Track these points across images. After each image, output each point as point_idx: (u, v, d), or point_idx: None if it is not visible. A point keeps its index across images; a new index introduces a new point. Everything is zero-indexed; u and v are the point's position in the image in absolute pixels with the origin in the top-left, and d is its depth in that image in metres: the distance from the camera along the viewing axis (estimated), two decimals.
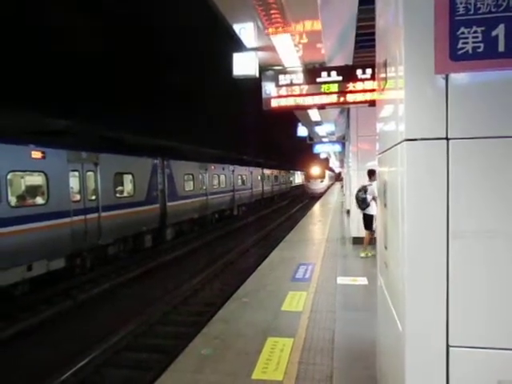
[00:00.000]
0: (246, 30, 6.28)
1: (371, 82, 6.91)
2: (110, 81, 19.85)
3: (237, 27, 6.30)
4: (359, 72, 7.06)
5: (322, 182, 56.04)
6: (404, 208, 2.10)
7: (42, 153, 9.94)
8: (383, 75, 2.92)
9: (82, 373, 6.15)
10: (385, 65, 2.81)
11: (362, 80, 7.03)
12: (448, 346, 2.03)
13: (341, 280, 7.60)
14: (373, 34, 3.68)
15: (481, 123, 1.98)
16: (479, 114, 1.98)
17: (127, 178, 14.04)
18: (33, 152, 9.69)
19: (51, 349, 7.05)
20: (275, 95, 7.43)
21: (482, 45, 1.85)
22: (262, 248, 15.53)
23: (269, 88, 7.46)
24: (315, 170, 55.87)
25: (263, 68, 7.67)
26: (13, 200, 9.31)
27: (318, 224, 16.05)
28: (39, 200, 10.03)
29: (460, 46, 1.86)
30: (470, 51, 1.86)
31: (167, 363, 5.18)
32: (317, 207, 25.73)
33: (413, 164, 2.06)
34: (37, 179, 10.14)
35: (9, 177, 9.07)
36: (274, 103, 7.45)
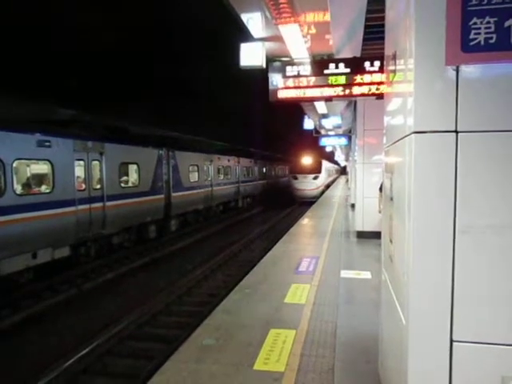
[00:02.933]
0: (253, 20, 6.23)
1: (379, 74, 6.86)
2: (118, 72, 19.84)
3: (244, 17, 6.25)
4: (367, 64, 7.00)
5: (315, 178, 30.71)
6: (411, 201, 2.08)
7: (48, 141, 9.93)
8: (392, 67, 2.89)
9: (86, 360, 6.20)
10: (394, 57, 2.78)
11: (370, 72, 6.97)
12: (452, 341, 2.02)
13: (344, 273, 7.58)
14: (382, 25, 3.64)
15: (491, 116, 1.94)
16: (490, 107, 1.94)
17: (132, 168, 14.05)
18: (38, 140, 9.70)
19: (55, 337, 7.11)
20: (282, 86, 7.39)
21: (494, 36, 1.81)
22: (266, 240, 15.56)
23: (276, 79, 7.42)
24: (306, 160, 31.22)
25: (270, 59, 7.62)
26: (18, 188, 9.34)
27: (322, 218, 16.01)
28: (44, 188, 10.05)
29: (472, 36, 1.83)
30: (482, 42, 1.83)
31: (169, 353, 5.22)
32: (320, 202, 25.70)
33: (421, 157, 2.03)
34: (42, 167, 10.14)
35: (14, 165, 9.10)
36: (281, 95, 7.42)
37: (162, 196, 15.58)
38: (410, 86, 2.10)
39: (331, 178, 46.99)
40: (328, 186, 38.88)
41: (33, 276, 9.71)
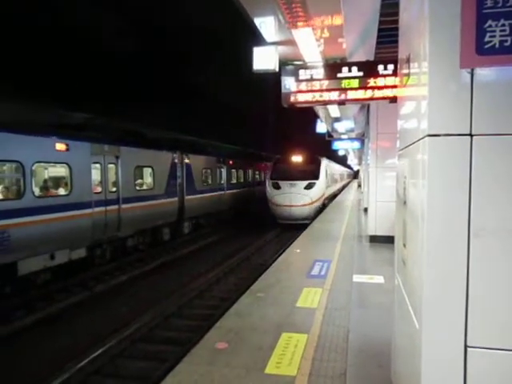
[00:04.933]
0: (266, 24, 6.25)
1: (393, 77, 6.82)
2: (131, 77, 20.04)
3: (257, 21, 6.28)
4: (381, 68, 6.97)
5: (309, 187, 18.96)
6: (424, 205, 2.06)
7: (66, 145, 10.13)
8: (406, 71, 2.88)
9: (98, 362, 6.25)
10: (408, 60, 2.76)
11: (384, 76, 6.94)
12: (466, 347, 1.99)
13: (357, 278, 7.54)
14: (395, 29, 3.63)
15: (506, 119, 1.92)
16: (505, 110, 1.92)
17: (147, 172, 14.23)
18: (57, 144, 9.88)
19: (68, 338, 7.18)
20: (295, 90, 7.39)
21: (509, 38, 1.80)
22: (278, 244, 15.53)
23: (288, 83, 7.42)
24: (294, 158, 20.32)
25: (283, 63, 7.63)
26: (37, 190, 9.51)
27: (334, 222, 15.94)
28: (62, 191, 10.24)
29: (487, 39, 1.81)
30: (497, 45, 1.81)
31: (182, 355, 5.23)
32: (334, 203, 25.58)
33: (434, 160, 2.01)
34: (61, 171, 10.37)
35: (34, 168, 9.26)
36: (294, 98, 7.41)
37: (176, 199, 15.71)
38: (424, 89, 2.09)
39: (339, 186, 35.66)
40: (335, 196, 29.64)
41: (50, 276, 9.88)
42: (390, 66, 6.91)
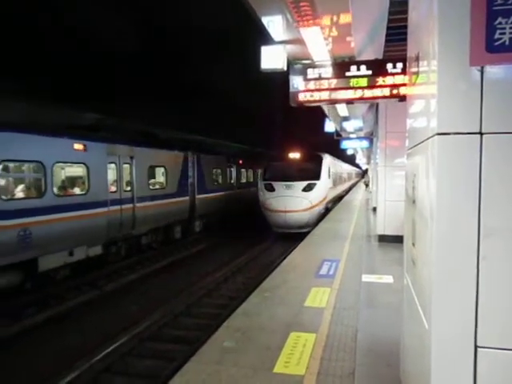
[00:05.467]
0: (274, 23, 6.24)
1: (402, 76, 6.78)
2: (138, 76, 20.13)
3: (265, 20, 6.27)
4: (389, 66, 6.93)
5: (308, 189, 16.22)
6: (433, 204, 2.05)
7: (84, 145, 10.47)
8: (415, 69, 2.86)
9: (109, 359, 6.29)
10: (417, 58, 2.75)
11: (393, 74, 6.90)
12: (476, 347, 1.98)
13: (365, 277, 7.50)
14: (404, 27, 3.60)
15: None
16: None
17: (160, 171, 14.58)
18: (75, 144, 10.23)
19: (78, 336, 7.23)
20: (303, 89, 7.37)
21: None
22: (287, 242, 15.50)
23: (296, 82, 7.40)
24: (292, 155, 17.63)
25: (291, 62, 7.62)
26: (57, 190, 9.86)
27: (343, 221, 15.89)
28: (80, 190, 10.60)
29: (497, 36, 1.80)
30: (507, 42, 1.80)
31: (190, 354, 5.25)
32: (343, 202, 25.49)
33: (444, 159, 2.00)
34: (79, 170, 10.73)
35: (54, 168, 9.60)
36: (302, 97, 7.40)
37: (187, 198, 15.96)
38: (433, 88, 2.07)
39: (346, 186, 32.74)
40: (341, 198, 27.07)
41: (69, 272, 10.25)
42: (399, 65, 6.87)
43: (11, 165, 9.17)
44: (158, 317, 7.95)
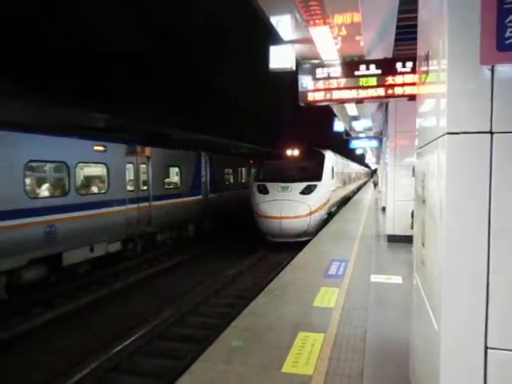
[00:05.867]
0: (283, 23, 6.22)
1: (411, 75, 6.74)
2: (149, 79, 20.21)
3: (274, 20, 6.25)
4: (399, 65, 6.89)
5: (307, 192, 14.14)
6: (443, 204, 2.04)
7: (104, 146, 11.02)
8: (425, 68, 2.84)
9: (117, 358, 6.34)
10: (426, 57, 2.73)
11: (402, 73, 6.86)
12: (486, 348, 1.96)
13: (374, 278, 7.47)
14: (414, 26, 3.58)
15: None
16: None
17: (174, 171, 15.15)
18: (95, 146, 10.75)
19: (86, 335, 7.28)
20: (312, 89, 7.36)
21: None
22: (296, 243, 15.46)
23: (305, 81, 7.39)
24: (288, 152, 15.65)
25: (300, 61, 7.60)
26: (80, 188, 10.44)
27: (352, 221, 15.83)
28: (101, 189, 11.12)
29: (508, 35, 1.78)
30: None
31: (198, 353, 5.27)
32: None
33: (454, 158, 1.99)
34: (99, 170, 11.27)
35: (77, 168, 10.15)
36: (311, 97, 7.38)
37: (201, 197, 16.41)
38: (443, 87, 2.06)
39: (353, 187, 30.78)
40: (348, 199, 25.17)
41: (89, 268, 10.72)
42: (409, 64, 6.82)
43: (38, 165, 9.60)
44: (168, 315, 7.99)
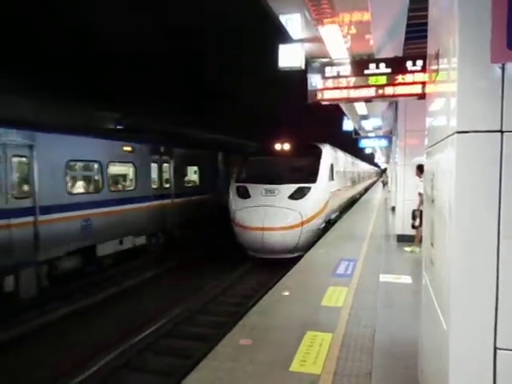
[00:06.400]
0: (292, 21, 6.21)
1: (421, 74, 6.70)
2: (151, 73, 20.29)
3: (283, 18, 6.25)
4: (409, 64, 6.86)
5: (297, 196, 11.34)
6: (452, 204, 2.02)
7: (132, 147, 12.00)
8: (435, 66, 2.82)
9: (127, 354, 6.39)
10: (437, 56, 2.71)
11: (412, 72, 6.82)
12: (496, 348, 1.94)
13: (383, 277, 7.43)
14: (424, 24, 3.55)
15: None
16: None
17: (193, 169, 16.16)
18: (125, 146, 11.75)
19: (97, 331, 7.36)
20: (321, 87, 7.34)
21: None
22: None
23: (315, 80, 7.38)
24: (276, 146, 13.06)
25: (309, 60, 7.59)
26: (111, 186, 11.32)
27: (361, 221, 15.76)
28: (129, 186, 12.18)
29: None
30: None
31: (206, 351, 5.28)
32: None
33: (463, 157, 1.97)
34: (128, 169, 12.27)
35: (109, 166, 11.07)
36: (320, 96, 7.37)
37: (217, 194, 16.90)
38: (453, 85, 2.05)
39: (360, 188, 27.70)
40: (355, 201, 23.12)
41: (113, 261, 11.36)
42: (419, 62, 6.79)
43: (77, 164, 10.42)
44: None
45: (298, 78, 8.03)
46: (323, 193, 12.33)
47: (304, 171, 12.37)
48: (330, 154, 13.78)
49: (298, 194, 11.37)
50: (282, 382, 3.86)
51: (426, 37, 3.44)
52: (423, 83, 6.61)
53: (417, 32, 7.41)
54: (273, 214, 10.88)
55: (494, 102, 1.90)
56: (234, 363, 4.23)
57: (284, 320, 5.44)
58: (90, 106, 13.68)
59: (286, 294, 6.57)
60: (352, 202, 21.97)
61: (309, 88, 7.43)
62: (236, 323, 5.51)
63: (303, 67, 7.15)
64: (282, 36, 6.91)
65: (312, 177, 12.06)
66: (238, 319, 5.87)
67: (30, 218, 8.54)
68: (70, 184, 9.95)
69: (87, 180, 10.83)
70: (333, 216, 14.52)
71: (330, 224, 13.74)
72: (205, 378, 3.98)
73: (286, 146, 12.93)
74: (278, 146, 12.98)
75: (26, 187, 8.76)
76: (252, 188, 11.77)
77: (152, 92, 19.29)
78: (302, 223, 11.03)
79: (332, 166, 13.67)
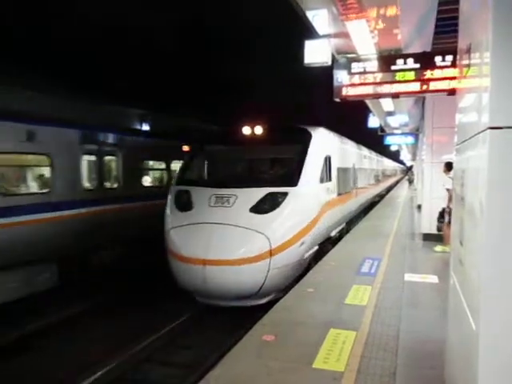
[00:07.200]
0: (319, 17, 6.16)
1: (451, 69, 6.54)
2: (170, 71, 20.44)
3: (310, 14, 6.21)
4: (438, 59, 6.71)
5: (266, 210, 7.08)
6: (483, 202, 1.97)
7: (190, 147, 12.76)
8: (466, 61, 2.76)
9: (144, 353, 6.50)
10: (468, 50, 2.65)
11: (441, 67, 6.67)
12: None
13: (409, 277, 7.32)
14: (455, 17, 3.49)
15: None
16: None
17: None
18: (183, 147, 13.28)
19: (102, 336, 7.25)
20: (347, 84, 7.26)
21: None
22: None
23: (340, 76, 7.30)
24: (247, 129, 8.44)
25: (335, 55, 7.52)
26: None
27: (386, 218, 15.55)
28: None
29: None
30: None
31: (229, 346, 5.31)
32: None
33: (495, 154, 1.92)
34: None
35: (172, 165, 13.09)
36: (346, 92, 7.29)
37: None
38: (486, 80, 1.99)
39: (378, 190, 24.04)
40: (373, 204, 20.47)
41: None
42: (449, 57, 6.63)
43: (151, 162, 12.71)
44: None
45: (325, 73, 7.95)
46: (310, 201, 8.17)
47: (279, 168, 8.79)
48: (324, 143, 9.60)
49: (266, 205, 7.30)
50: (305, 378, 3.86)
51: (456, 31, 3.37)
52: (453, 79, 6.46)
53: (447, 26, 7.25)
54: (222, 238, 6.84)
55: None
56: (257, 359, 4.25)
57: (307, 317, 5.43)
58: None
59: (311, 290, 6.55)
60: (370, 205, 19.59)
61: (335, 84, 7.35)
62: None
63: (330, 63, 7.08)
64: (308, 31, 6.85)
65: (291, 176, 7.93)
66: None
67: None
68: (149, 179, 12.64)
69: (159, 176, 12.03)
70: (333, 233, 10.42)
71: (324, 247, 9.43)
72: (228, 372, 4.01)
73: (258, 130, 8.55)
74: (246, 130, 8.61)
75: None
76: (196, 194, 7.81)
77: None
78: (271, 252, 6.89)
79: (328, 159, 9.55)
